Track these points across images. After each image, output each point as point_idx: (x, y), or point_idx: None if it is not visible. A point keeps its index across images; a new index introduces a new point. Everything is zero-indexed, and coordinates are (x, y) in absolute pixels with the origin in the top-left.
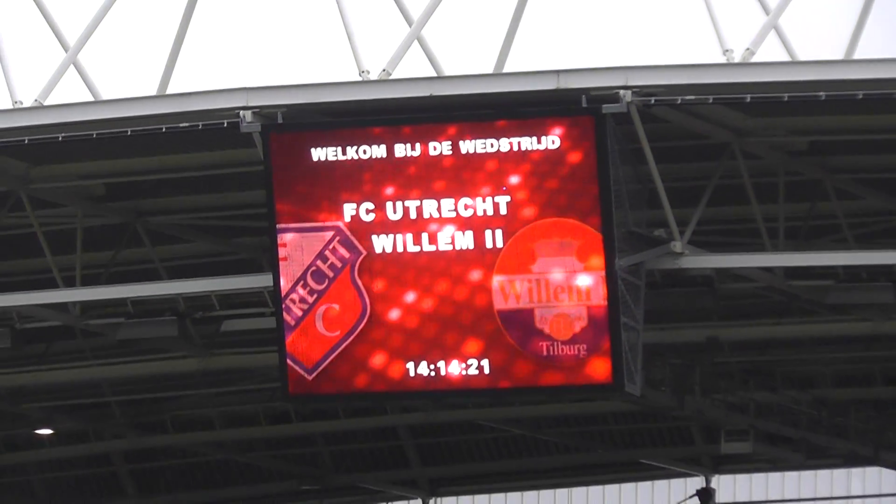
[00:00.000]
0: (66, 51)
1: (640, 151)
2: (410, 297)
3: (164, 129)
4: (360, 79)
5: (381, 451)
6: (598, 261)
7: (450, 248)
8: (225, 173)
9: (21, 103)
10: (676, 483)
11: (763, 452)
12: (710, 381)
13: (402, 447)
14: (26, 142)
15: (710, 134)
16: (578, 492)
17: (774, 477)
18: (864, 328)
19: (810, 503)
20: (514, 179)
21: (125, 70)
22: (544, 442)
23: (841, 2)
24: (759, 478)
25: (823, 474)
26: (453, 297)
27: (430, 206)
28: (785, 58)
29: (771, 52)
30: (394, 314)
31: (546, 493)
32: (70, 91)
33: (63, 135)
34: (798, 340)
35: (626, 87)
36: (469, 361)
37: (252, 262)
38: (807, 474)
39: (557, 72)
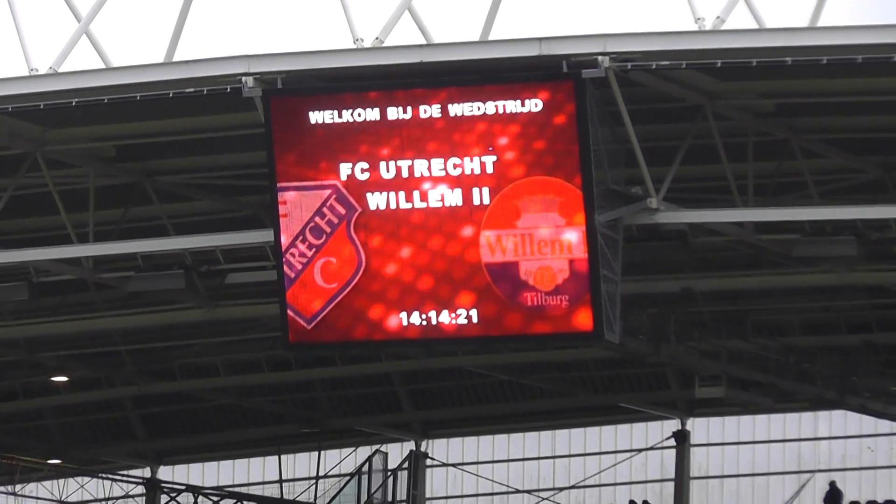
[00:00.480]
0: (78, 21)
1: (617, 114)
2: (405, 252)
3: (171, 95)
4: (354, 47)
5: (375, 397)
6: (579, 217)
7: (440, 205)
8: (228, 135)
9: (37, 70)
10: (653, 426)
11: (735, 397)
12: (685, 330)
13: (396, 392)
14: (42, 107)
15: (684, 97)
16: (561, 434)
17: (745, 420)
18: (829, 279)
19: (779, 444)
20: (502, 140)
21: (134, 39)
22: (529, 387)
23: None
24: (731, 420)
25: (791, 417)
26: (445, 251)
27: (421, 166)
28: (753, 25)
29: (740, 19)
30: (390, 268)
31: (531, 435)
32: (83, 59)
33: (76, 100)
34: (767, 291)
35: (604, 53)
36: (458, 311)
37: (254, 219)
38: (776, 417)
39: (540, 39)
